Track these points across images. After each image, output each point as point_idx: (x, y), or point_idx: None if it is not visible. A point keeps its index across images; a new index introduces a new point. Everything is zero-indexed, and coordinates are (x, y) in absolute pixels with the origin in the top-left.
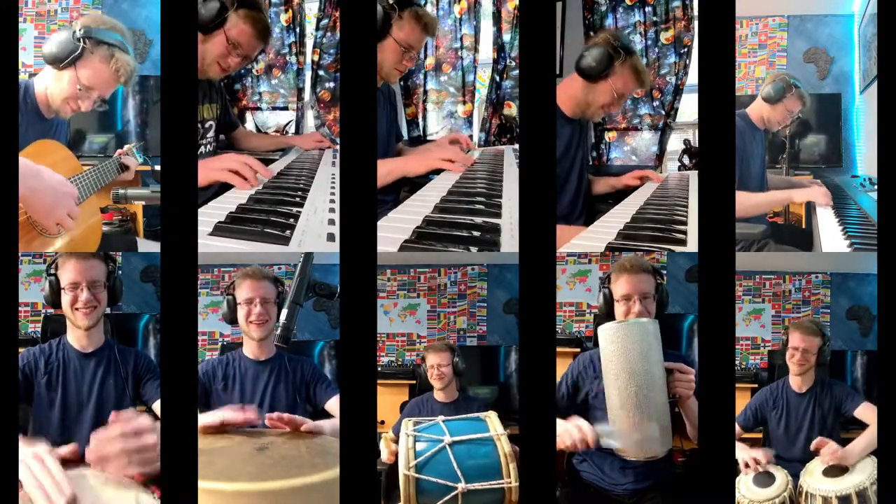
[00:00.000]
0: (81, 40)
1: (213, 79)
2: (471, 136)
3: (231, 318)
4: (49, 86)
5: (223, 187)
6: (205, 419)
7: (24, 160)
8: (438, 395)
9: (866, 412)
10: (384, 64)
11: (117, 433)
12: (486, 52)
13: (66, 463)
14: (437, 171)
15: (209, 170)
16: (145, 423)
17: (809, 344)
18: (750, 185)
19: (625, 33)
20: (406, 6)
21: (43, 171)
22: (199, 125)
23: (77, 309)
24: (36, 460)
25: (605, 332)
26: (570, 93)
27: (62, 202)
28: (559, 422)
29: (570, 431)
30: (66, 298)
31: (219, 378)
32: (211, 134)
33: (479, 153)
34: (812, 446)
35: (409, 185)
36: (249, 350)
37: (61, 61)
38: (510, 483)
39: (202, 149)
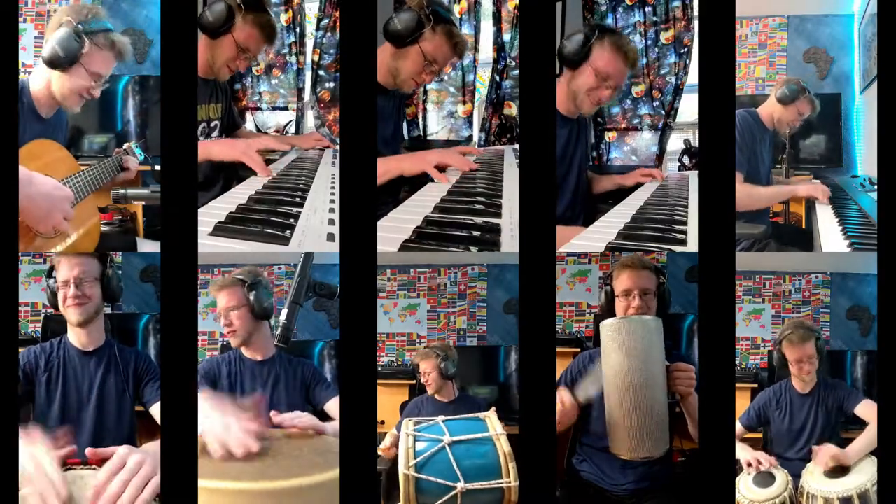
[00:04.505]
0: (80, 37)
1: (221, 80)
2: (470, 137)
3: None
4: (55, 84)
5: (225, 187)
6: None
7: (18, 167)
8: (437, 396)
9: (867, 410)
10: (402, 70)
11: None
12: (486, 52)
13: (66, 463)
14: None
15: (238, 151)
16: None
17: (808, 350)
18: (758, 182)
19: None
20: (442, 22)
21: (35, 177)
22: (205, 124)
23: (67, 306)
24: (33, 461)
25: (607, 327)
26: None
27: (57, 206)
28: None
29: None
30: (59, 297)
31: (223, 376)
32: (216, 133)
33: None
34: (812, 455)
35: (409, 185)
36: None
37: (68, 61)
38: (509, 483)
39: None
